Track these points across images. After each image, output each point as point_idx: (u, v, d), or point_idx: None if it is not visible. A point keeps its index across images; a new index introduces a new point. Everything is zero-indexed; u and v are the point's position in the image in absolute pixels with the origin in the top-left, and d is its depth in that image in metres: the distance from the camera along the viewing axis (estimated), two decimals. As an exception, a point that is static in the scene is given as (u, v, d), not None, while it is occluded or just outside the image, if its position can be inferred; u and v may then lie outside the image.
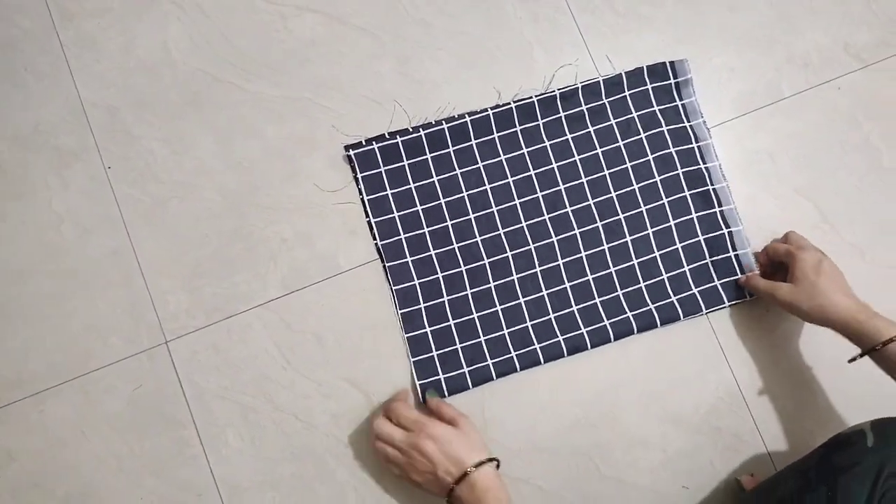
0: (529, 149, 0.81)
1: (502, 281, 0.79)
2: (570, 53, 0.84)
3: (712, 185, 0.81)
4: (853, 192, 0.82)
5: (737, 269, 0.79)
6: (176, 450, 0.76)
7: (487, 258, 0.79)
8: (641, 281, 0.79)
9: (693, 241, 0.80)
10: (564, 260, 0.79)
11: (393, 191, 0.80)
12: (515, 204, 0.80)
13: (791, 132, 0.83)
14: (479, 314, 0.78)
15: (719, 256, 0.80)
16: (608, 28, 0.84)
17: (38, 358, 0.76)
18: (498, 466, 0.68)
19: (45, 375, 0.76)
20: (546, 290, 0.79)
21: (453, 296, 0.78)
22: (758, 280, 0.77)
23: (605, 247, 0.79)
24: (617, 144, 0.81)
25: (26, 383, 0.76)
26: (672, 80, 0.82)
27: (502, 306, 0.78)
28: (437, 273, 0.79)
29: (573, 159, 0.81)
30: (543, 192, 0.80)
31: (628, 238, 0.80)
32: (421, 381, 0.76)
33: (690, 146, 0.82)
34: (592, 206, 0.80)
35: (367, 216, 0.79)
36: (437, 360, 0.77)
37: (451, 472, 0.65)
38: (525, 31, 0.84)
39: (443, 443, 0.66)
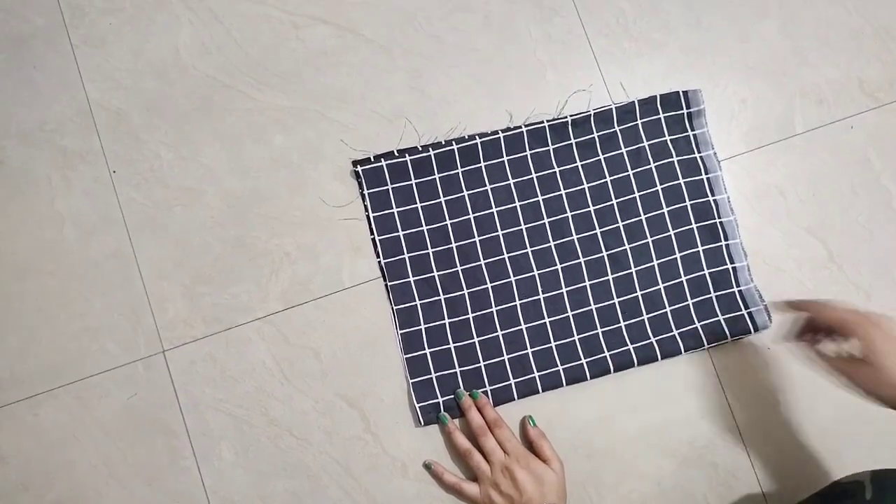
0: (538, 174, 0.80)
1: (504, 306, 0.78)
2: (582, 76, 0.83)
3: (719, 218, 0.80)
4: (862, 232, 0.82)
5: (740, 304, 0.79)
6: (168, 460, 0.75)
7: (490, 282, 0.78)
8: (644, 313, 0.79)
9: (698, 274, 0.80)
10: (568, 288, 0.79)
11: (399, 209, 0.79)
12: (521, 229, 0.79)
13: (802, 169, 0.83)
14: (480, 339, 0.78)
15: (723, 291, 0.79)
16: (621, 52, 0.84)
17: (35, 360, 0.76)
18: None
19: (41, 378, 0.76)
20: (548, 317, 0.78)
21: (454, 318, 0.78)
22: (828, 360, 0.62)
23: (610, 277, 0.79)
24: (626, 173, 0.81)
25: (22, 385, 0.75)
26: (685, 110, 0.81)
27: (503, 332, 0.78)
28: (439, 295, 0.78)
29: (582, 187, 0.80)
30: (550, 219, 0.80)
31: (633, 269, 0.79)
32: (420, 404, 0.76)
33: (700, 178, 0.81)
34: (599, 235, 0.80)
35: (372, 233, 0.79)
36: (435, 382, 0.76)
37: None
38: (538, 52, 0.83)
39: (535, 478, 0.70)
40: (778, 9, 0.85)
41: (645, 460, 0.77)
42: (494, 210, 0.80)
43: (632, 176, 0.81)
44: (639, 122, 0.81)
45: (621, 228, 0.80)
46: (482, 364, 0.77)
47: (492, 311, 0.78)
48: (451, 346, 0.77)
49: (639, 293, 0.79)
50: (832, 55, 0.85)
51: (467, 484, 0.73)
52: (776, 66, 0.85)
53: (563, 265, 0.79)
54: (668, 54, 0.84)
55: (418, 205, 0.79)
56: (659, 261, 0.79)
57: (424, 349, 0.77)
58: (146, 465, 0.75)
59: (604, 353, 0.77)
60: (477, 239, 0.79)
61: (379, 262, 0.78)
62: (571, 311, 0.78)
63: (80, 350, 0.76)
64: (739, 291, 0.79)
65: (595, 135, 0.81)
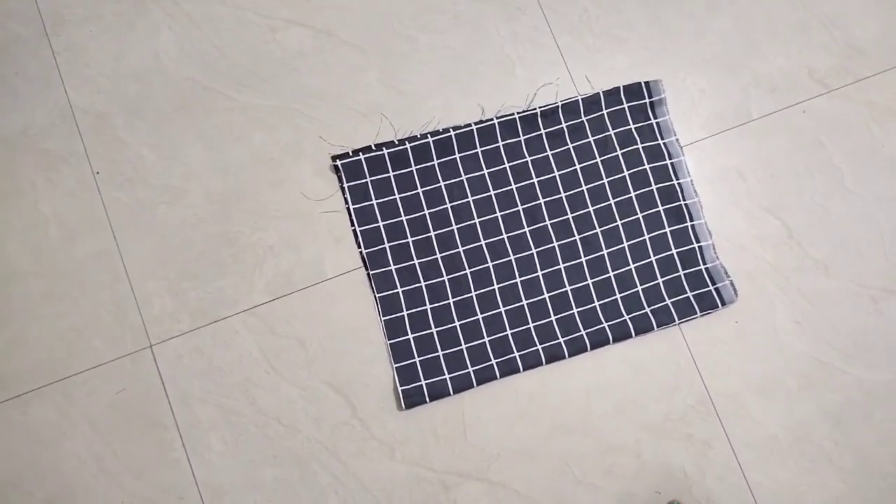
0: (511, 163, 0.84)
1: (483, 290, 0.81)
2: (549, 71, 0.87)
3: (684, 200, 0.84)
4: (818, 210, 0.87)
5: (707, 281, 0.83)
6: (158, 453, 0.76)
7: (469, 268, 0.81)
8: (617, 292, 0.82)
9: (666, 254, 0.83)
10: (543, 271, 0.82)
11: (378, 200, 0.82)
12: (497, 216, 0.83)
13: (759, 152, 0.87)
14: (461, 322, 0.80)
15: (691, 269, 0.83)
16: (585, 48, 0.88)
17: (22, 359, 0.77)
18: None
19: (29, 377, 0.76)
20: (525, 300, 0.81)
21: (436, 304, 0.80)
22: None
23: (583, 259, 0.82)
24: (594, 160, 0.84)
25: (10, 385, 0.76)
26: (647, 100, 0.86)
27: (483, 315, 0.80)
28: (420, 282, 0.81)
29: (553, 174, 0.84)
30: (524, 206, 0.83)
31: (605, 251, 0.83)
32: (403, 387, 0.78)
33: (664, 163, 0.85)
34: (571, 219, 0.83)
35: (353, 225, 0.81)
36: (419, 366, 0.79)
37: None
38: (507, 49, 0.87)
39: None
40: (730, 5, 0.91)
41: (624, 434, 0.80)
42: (470, 199, 0.83)
43: (600, 163, 0.85)
44: (604, 111, 0.85)
45: (592, 213, 0.84)
46: (464, 346, 0.80)
47: (471, 296, 0.81)
48: (434, 330, 0.80)
49: (611, 273, 0.83)
50: (782, 46, 0.90)
51: None
52: (731, 57, 0.90)
53: (537, 249, 0.82)
54: (630, 49, 0.89)
55: (397, 196, 0.82)
56: (629, 242, 0.83)
57: (407, 334, 0.79)
58: (136, 458, 0.76)
59: (580, 331, 0.81)
60: (455, 227, 0.82)
61: (360, 252, 0.81)
62: (547, 292, 0.82)
63: (68, 348, 0.77)
64: (706, 269, 0.83)
65: (563, 125, 0.85)
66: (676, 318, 0.81)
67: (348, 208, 0.82)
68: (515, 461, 0.79)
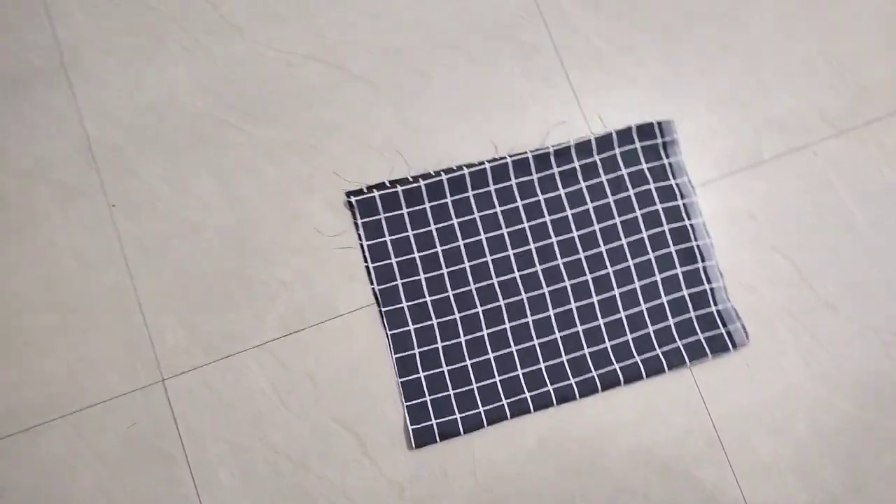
0: (524, 202, 0.84)
1: (495, 329, 0.81)
2: (562, 109, 0.88)
3: (696, 241, 0.85)
4: (828, 251, 0.87)
5: (718, 323, 0.83)
6: (167, 488, 0.76)
7: (481, 306, 0.81)
8: (629, 333, 0.82)
9: (678, 295, 0.83)
10: (555, 311, 0.82)
11: (392, 237, 0.82)
12: (509, 254, 0.83)
13: (770, 193, 0.88)
14: (472, 361, 0.80)
15: (702, 311, 0.83)
16: (598, 86, 0.89)
17: (33, 392, 0.77)
18: None
19: (39, 410, 0.76)
20: (537, 339, 0.81)
21: (447, 342, 0.80)
22: None
23: (595, 299, 0.83)
24: (607, 200, 0.85)
25: (20, 418, 0.76)
26: (660, 140, 0.86)
27: (494, 354, 0.81)
28: (431, 319, 0.81)
29: (565, 214, 0.84)
30: (536, 244, 0.83)
31: (616, 291, 0.83)
32: (413, 426, 0.78)
33: (676, 203, 0.85)
34: (583, 259, 0.83)
35: (366, 261, 0.81)
36: (429, 405, 0.79)
37: None
38: (520, 87, 0.88)
39: None
40: (740, 45, 0.91)
41: (633, 476, 0.80)
42: (483, 237, 0.83)
43: (612, 202, 0.85)
44: (616, 151, 0.86)
45: (604, 252, 0.84)
46: (475, 386, 0.80)
47: (483, 335, 0.81)
48: (445, 369, 0.80)
49: (622, 314, 0.83)
50: (794, 87, 0.91)
51: None
52: (743, 97, 0.90)
53: (549, 288, 0.82)
54: (642, 87, 0.89)
55: (410, 233, 0.82)
56: (640, 283, 0.83)
57: (419, 373, 0.79)
58: (145, 493, 0.76)
59: (591, 372, 0.81)
60: (467, 265, 0.82)
61: (373, 288, 0.81)
62: (559, 332, 0.82)
63: (79, 381, 0.77)
64: (717, 311, 0.83)
65: (576, 164, 0.85)
66: (688, 361, 0.81)
67: (362, 245, 0.82)
68: (525, 502, 0.79)
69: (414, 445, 0.77)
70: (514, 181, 0.84)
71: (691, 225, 0.85)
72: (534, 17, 0.90)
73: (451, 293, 0.82)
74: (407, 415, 0.78)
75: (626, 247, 0.84)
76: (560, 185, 0.85)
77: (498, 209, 0.84)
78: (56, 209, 0.80)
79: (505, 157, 0.84)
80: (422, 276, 0.82)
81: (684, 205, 0.86)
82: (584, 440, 0.80)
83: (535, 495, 0.79)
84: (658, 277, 0.84)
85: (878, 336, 0.85)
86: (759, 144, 0.89)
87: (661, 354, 0.81)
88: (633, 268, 0.84)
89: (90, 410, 0.77)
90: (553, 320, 0.82)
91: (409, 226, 0.83)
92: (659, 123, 0.86)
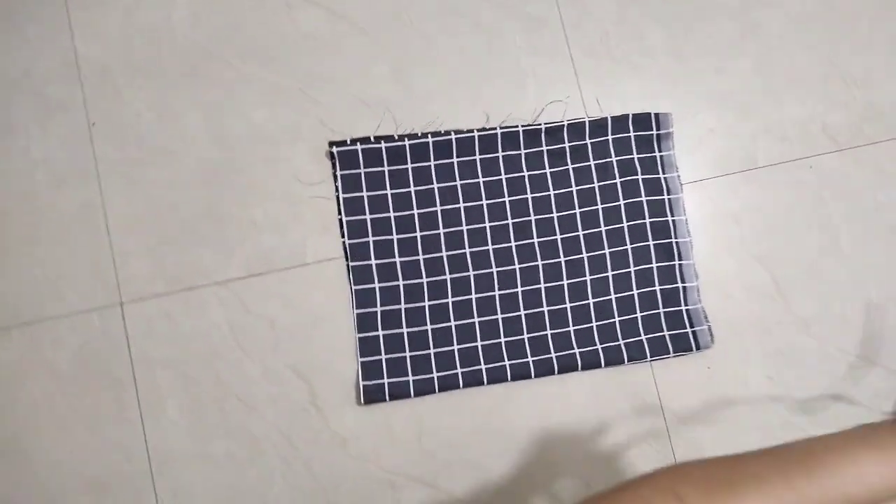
0: (508, 175, 0.83)
1: (460, 298, 0.80)
2: (561, 88, 0.86)
3: (676, 238, 0.83)
4: (809, 267, 0.85)
5: (686, 322, 0.82)
6: (114, 411, 0.76)
7: (450, 274, 0.81)
8: (594, 320, 0.81)
9: (649, 289, 0.82)
10: (523, 288, 0.81)
11: (369, 193, 0.81)
12: (485, 226, 0.82)
13: (759, 200, 0.86)
14: (433, 326, 0.80)
15: (671, 308, 0.82)
16: (601, 70, 0.87)
17: (-8, 298, 0.77)
18: None
19: (-4, 316, 0.77)
20: (501, 314, 0.81)
21: (411, 305, 0.80)
22: None
23: (565, 282, 0.82)
24: (592, 185, 0.84)
25: (-25, 322, 0.76)
26: (654, 132, 0.85)
27: (456, 323, 0.80)
28: (398, 280, 0.80)
29: (547, 193, 0.83)
30: (514, 220, 0.82)
31: (588, 277, 0.82)
32: (365, 382, 0.78)
33: (661, 197, 0.84)
34: (559, 240, 0.82)
35: (340, 213, 0.81)
36: (384, 363, 0.78)
37: None
38: (522, 60, 0.86)
39: None
40: (754, 47, 0.89)
41: (576, 461, 0.80)
42: (461, 205, 0.82)
43: (597, 188, 0.84)
44: (609, 137, 0.84)
45: (581, 237, 0.83)
46: (432, 351, 0.79)
47: (447, 302, 0.80)
48: (405, 330, 0.79)
49: (591, 301, 0.82)
50: (800, 97, 0.89)
51: None
52: (746, 100, 0.88)
53: (521, 266, 0.82)
54: (645, 77, 0.88)
55: (388, 191, 0.82)
56: (613, 272, 0.82)
57: (377, 331, 0.79)
58: (90, 412, 0.76)
59: (550, 353, 0.80)
60: (441, 231, 0.81)
61: (343, 242, 0.80)
62: (524, 310, 0.81)
63: (39, 293, 0.77)
64: (687, 310, 0.82)
65: (566, 145, 0.84)
66: (649, 356, 0.81)
67: (338, 196, 0.81)
68: (466, 472, 0.79)
69: (363, 401, 0.77)
70: (500, 153, 0.83)
71: (673, 221, 0.84)
72: (544, -10, 0.88)
73: (421, 257, 0.81)
74: (360, 370, 0.78)
75: (604, 234, 0.83)
76: (547, 164, 0.84)
77: (481, 179, 0.83)
78: (35, 121, 0.80)
79: (495, 128, 0.83)
80: (394, 236, 0.81)
81: (669, 200, 0.84)
82: (534, 420, 0.80)
83: (477, 466, 0.79)
84: (632, 269, 0.83)
85: (845, 358, 0.84)
86: (756, 150, 0.87)
87: (622, 345, 0.81)
88: (608, 256, 0.83)
89: (47, 323, 0.77)
90: (520, 297, 0.81)
91: (388, 184, 0.82)
92: (656, 115, 0.85)
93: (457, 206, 0.82)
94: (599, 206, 0.83)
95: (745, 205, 0.86)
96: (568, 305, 0.81)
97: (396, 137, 0.82)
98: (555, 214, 0.83)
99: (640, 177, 0.84)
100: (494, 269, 0.81)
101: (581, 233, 0.83)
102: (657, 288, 0.83)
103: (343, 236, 0.80)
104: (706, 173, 0.87)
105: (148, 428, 0.76)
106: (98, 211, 0.79)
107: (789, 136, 0.88)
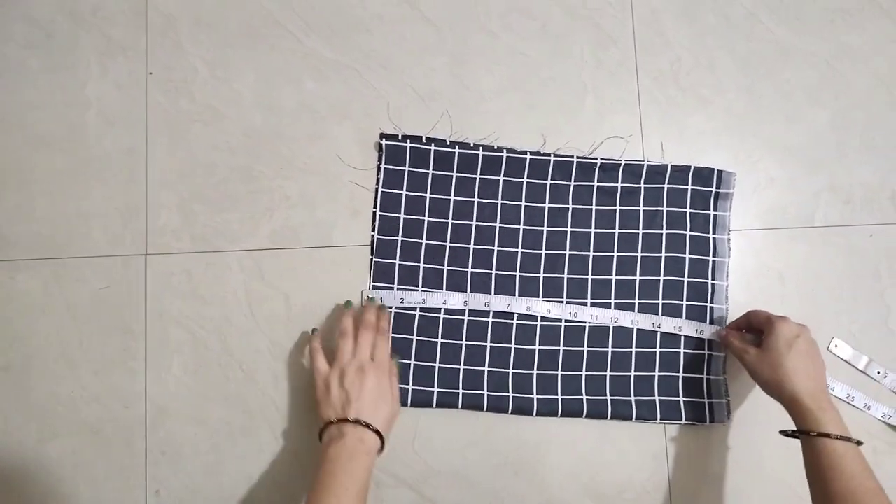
0: (552, 205, 0.80)
1: (476, 319, 0.78)
2: (621, 109, 0.83)
3: (712, 303, 0.80)
4: (852, 342, 0.81)
5: (704, 392, 0.78)
6: (120, 358, 0.77)
7: (470, 292, 0.78)
8: (608, 370, 0.78)
9: (673, 350, 0.79)
10: (542, 323, 0.78)
11: (408, 192, 0.79)
12: (517, 251, 0.79)
13: (809, 261, 0.82)
14: (443, 341, 0.78)
15: (691, 374, 0.79)
16: (665, 97, 0.83)
17: (25, 227, 0.78)
18: (380, 451, 0.67)
19: (27, 246, 0.78)
20: (515, 344, 0.78)
21: (425, 313, 0.78)
22: (732, 337, 0.75)
23: (586, 325, 0.78)
24: (636, 231, 0.80)
25: (7, 247, 0.78)
26: (714, 189, 0.81)
27: (468, 342, 0.78)
28: (417, 286, 0.78)
29: (589, 230, 0.80)
30: (547, 251, 0.79)
31: (611, 325, 0.79)
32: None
33: (706, 258, 0.80)
34: (589, 280, 0.79)
35: (375, 206, 0.79)
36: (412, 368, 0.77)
37: (359, 413, 0.65)
38: (584, 74, 0.83)
39: (379, 394, 0.67)
40: (833, 100, 0.84)
41: (570, 495, 0.77)
42: (498, 225, 0.80)
43: (640, 235, 0.80)
44: (665, 185, 0.80)
45: (613, 282, 0.80)
46: (437, 366, 0.77)
47: (463, 319, 0.78)
48: (414, 338, 0.78)
49: (609, 349, 0.78)
50: (873, 160, 0.84)
51: (321, 358, 0.70)
52: (815, 154, 0.84)
53: (545, 299, 0.79)
54: (711, 113, 0.84)
55: (427, 195, 0.80)
56: (639, 326, 0.79)
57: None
58: (98, 355, 0.77)
59: (557, 395, 0.77)
60: (472, 246, 0.79)
61: (372, 235, 0.79)
62: (539, 345, 0.78)
63: (69, 231, 0.78)
64: (707, 380, 0.79)
65: (619, 184, 0.80)
66: (658, 418, 0.77)
67: (377, 189, 0.80)
68: (453, 484, 0.77)
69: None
70: (549, 181, 0.80)
71: (713, 285, 0.80)
72: (622, 7, 0.84)
73: (446, 267, 0.79)
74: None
75: (637, 284, 0.80)
76: (594, 201, 0.80)
77: (523, 203, 0.80)
78: (95, 60, 0.80)
79: (549, 155, 0.80)
80: (423, 241, 0.79)
81: (714, 262, 0.80)
82: (532, 445, 0.78)
83: (468, 480, 0.77)
84: (660, 330, 0.79)
85: (871, 442, 0.79)
86: (815, 207, 0.83)
87: (633, 402, 0.77)
88: (636, 306, 0.79)
89: (71, 261, 0.78)
90: (537, 331, 0.78)
91: (429, 187, 0.80)
92: (720, 172, 0.80)
93: (493, 224, 0.80)
94: (639, 255, 0.80)
95: (792, 263, 0.82)
96: (585, 349, 0.78)
97: (448, 143, 0.80)
98: (591, 253, 0.80)
99: (688, 232, 0.80)
100: (517, 296, 0.79)
101: (614, 277, 0.80)
102: (681, 351, 0.79)
103: (373, 230, 0.79)
104: (756, 223, 0.82)
105: (150, 380, 0.77)
106: (140, 159, 0.79)
107: (854, 200, 0.83)
